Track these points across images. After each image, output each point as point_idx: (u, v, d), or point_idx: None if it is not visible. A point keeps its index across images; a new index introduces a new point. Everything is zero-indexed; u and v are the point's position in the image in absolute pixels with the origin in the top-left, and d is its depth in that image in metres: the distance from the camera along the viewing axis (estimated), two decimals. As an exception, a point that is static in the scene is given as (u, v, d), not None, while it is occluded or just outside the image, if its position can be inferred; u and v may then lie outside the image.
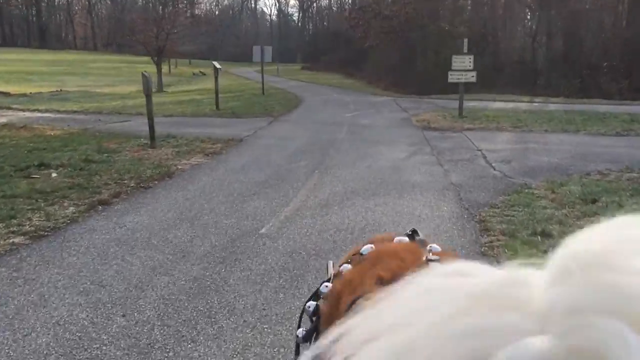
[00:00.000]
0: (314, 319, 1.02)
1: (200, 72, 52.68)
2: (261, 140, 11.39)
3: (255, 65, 73.22)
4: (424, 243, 0.99)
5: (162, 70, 48.45)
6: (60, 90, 25.82)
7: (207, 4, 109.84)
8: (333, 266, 1.10)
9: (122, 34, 31.91)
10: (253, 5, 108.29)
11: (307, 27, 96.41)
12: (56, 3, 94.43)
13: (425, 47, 30.48)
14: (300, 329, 1.05)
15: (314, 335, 1.00)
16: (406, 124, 14.37)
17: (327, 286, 1.00)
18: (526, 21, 31.62)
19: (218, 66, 17.45)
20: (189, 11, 31.66)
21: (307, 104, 20.77)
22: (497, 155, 9.53)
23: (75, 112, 17.26)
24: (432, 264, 0.80)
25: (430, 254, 0.87)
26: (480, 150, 10.03)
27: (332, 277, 1.03)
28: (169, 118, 15.55)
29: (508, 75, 28.42)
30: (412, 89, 29.24)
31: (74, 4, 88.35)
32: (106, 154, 9.19)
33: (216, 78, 17.56)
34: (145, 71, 10.01)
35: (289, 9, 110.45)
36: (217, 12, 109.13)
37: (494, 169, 8.42)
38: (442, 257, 0.85)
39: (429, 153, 9.76)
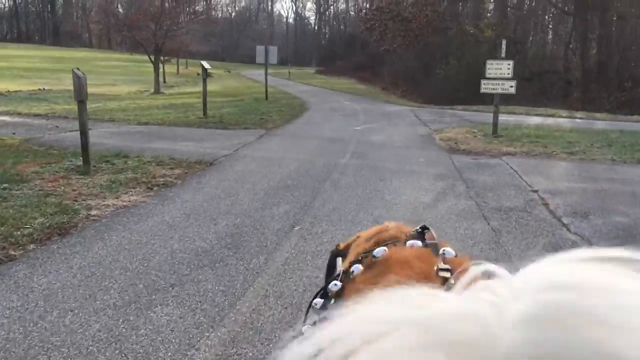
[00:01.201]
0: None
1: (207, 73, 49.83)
2: (239, 163, 8.51)
3: (270, 67, 70.72)
4: (437, 247, 0.93)
5: (166, 70, 45.96)
6: (42, 89, 23.19)
7: (223, 5, 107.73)
8: (342, 262, 1.07)
9: (119, 30, 29.06)
10: (269, 7, 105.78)
11: (323, 30, 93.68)
12: (73, 1, 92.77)
13: (446, 52, 27.48)
14: (306, 325, 0.92)
15: None
16: (428, 143, 11.41)
17: (335, 284, 0.96)
18: (559, 26, 28.45)
19: (207, 66, 14.62)
20: (191, 7, 28.84)
21: (312, 112, 17.88)
22: (562, 200, 6.55)
23: (37, 115, 14.53)
24: (441, 274, 0.79)
25: (442, 262, 0.84)
26: (535, 191, 7.05)
27: (341, 274, 0.98)
28: (142, 127, 12.76)
29: (538, 86, 25.31)
30: (431, 98, 26.26)
31: (89, 1, 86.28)
32: (6, 185, 6.37)
33: (204, 80, 14.74)
34: (77, 69, 7.22)
35: (306, 12, 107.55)
36: (233, 14, 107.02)
37: (568, 230, 5.45)
38: (454, 266, 0.81)
39: (464, 194, 6.81)
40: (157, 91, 27.69)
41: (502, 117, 16.72)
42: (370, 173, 7.90)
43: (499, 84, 11.86)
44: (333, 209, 5.88)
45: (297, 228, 5.19)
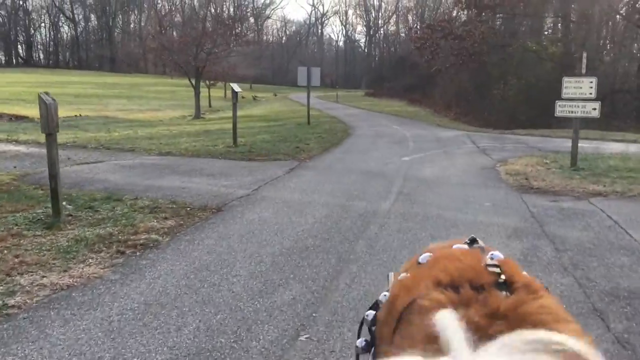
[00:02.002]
0: (372, 328, 1.00)
1: (253, 96, 49.26)
2: (253, 209, 6.72)
3: (318, 90, 69.66)
4: (484, 250, 0.93)
5: (213, 94, 45.27)
6: (79, 115, 22.32)
7: (274, 30, 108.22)
8: (394, 277, 1.06)
9: (160, 55, 28.23)
10: (320, 31, 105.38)
11: (373, 52, 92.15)
12: (130, 28, 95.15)
13: (504, 72, 25.14)
14: (360, 339, 1.02)
15: (373, 346, 0.99)
16: (492, 178, 9.30)
17: (385, 295, 0.99)
18: (631, 41, 25.59)
19: (237, 89, 13.04)
20: (233, 30, 27.68)
21: (354, 138, 16.02)
22: None
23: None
24: (491, 269, 0.79)
25: (490, 260, 0.83)
26: (660, 260, 4.90)
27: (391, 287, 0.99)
28: (161, 158, 11.24)
29: (609, 107, 22.56)
30: (487, 121, 23.95)
31: (146, 29, 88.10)
32: None
33: (234, 105, 13.16)
34: (45, 92, 5.67)
35: (356, 35, 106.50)
36: (284, 39, 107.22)
37: None
38: (502, 264, 0.81)
39: (554, 264, 4.73)
40: (197, 116, 26.57)
41: (583, 144, 14.43)
42: (420, 226, 5.92)
43: (578, 106, 9.68)
44: (364, 294, 3.95)
45: (303, 337, 3.29)
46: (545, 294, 0.77)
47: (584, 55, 10.02)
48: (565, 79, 9.85)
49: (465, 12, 33.61)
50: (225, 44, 26.55)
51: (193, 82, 26.93)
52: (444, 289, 0.75)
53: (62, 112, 24.66)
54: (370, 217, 6.28)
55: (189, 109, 35.59)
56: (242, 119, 26.33)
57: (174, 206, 6.67)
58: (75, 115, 22.32)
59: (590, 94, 9.53)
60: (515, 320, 0.67)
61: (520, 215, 6.60)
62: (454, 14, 35.24)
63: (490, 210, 6.86)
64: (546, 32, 30.17)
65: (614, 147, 13.52)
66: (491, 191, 8.09)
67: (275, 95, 60.46)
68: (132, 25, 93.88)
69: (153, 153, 11.97)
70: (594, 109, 9.57)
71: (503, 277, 0.77)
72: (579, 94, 9.63)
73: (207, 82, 37.95)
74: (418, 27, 30.95)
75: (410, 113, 31.17)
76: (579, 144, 14.19)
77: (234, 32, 27.29)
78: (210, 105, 37.76)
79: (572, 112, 9.74)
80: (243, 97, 49.34)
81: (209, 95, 38.22)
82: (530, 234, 5.69)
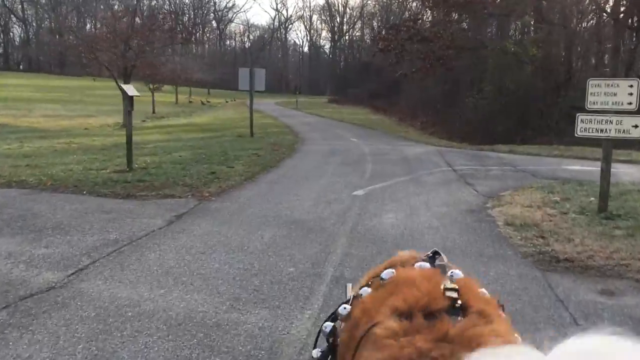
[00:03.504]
0: (330, 340, 1.01)
1: (203, 101, 45.50)
2: (30, 335, 3.14)
3: (283, 95, 65.80)
4: (445, 269, 0.91)
5: (161, 99, 41.15)
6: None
7: (237, 34, 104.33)
8: (352, 288, 1.06)
9: (79, 53, 24.20)
10: (283, 36, 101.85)
11: (337, 58, 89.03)
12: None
13: (477, 77, 22.09)
14: (316, 350, 1.03)
15: (330, 357, 1.00)
16: (487, 234, 5.85)
17: (345, 308, 0.97)
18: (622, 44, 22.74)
19: (132, 92, 9.40)
20: (167, 24, 23.88)
21: (299, 157, 12.53)
22: None
23: None
24: (447, 294, 0.79)
25: (449, 282, 0.82)
26: None
27: (351, 299, 0.98)
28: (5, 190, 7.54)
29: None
30: (459, 133, 20.84)
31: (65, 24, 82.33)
32: None
33: (129, 113, 9.53)
34: None
35: (321, 41, 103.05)
36: (247, 44, 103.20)
37: None
38: (461, 286, 0.81)
39: None
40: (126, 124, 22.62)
41: (574, 167, 11.28)
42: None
43: (611, 122, 6.40)
44: None
45: None
46: (497, 318, 0.76)
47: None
48: (592, 81, 6.54)
49: (433, 12, 30.75)
50: (159, 41, 22.70)
51: (122, 84, 22.94)
52: (399, 318, 0.75)
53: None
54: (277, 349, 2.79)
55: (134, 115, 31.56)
56: (175, 128, 22.57)
57: None
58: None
59: (630, 103, 6.27)
60: (461, 343, 0.67)
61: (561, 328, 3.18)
62: (421, 15, 32.23)
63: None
64: (514, 34, 27.38)
65: (630, 172, 10.34)
66: (494, 269, 4.67)
67: (234, 100, 56.66)
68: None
69: (2, 184, 8.22)
70: (635, 126, 6.30)
71: (459, 302, 0.76)
72: (611, 103, 6.36)
73: (151, 85, 33.96)
74: (382, 28, 27.57)
75: (373, 122, 27.95)
76: (575, 167, 11.08)
77: (166, 29, 23.32)
78: (154, 112, 33.73)
79: (602, 130, 6.45)
80: (191, 102, 45.45)
81: (153, 100, 34.18)
82: None
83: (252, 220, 6.18)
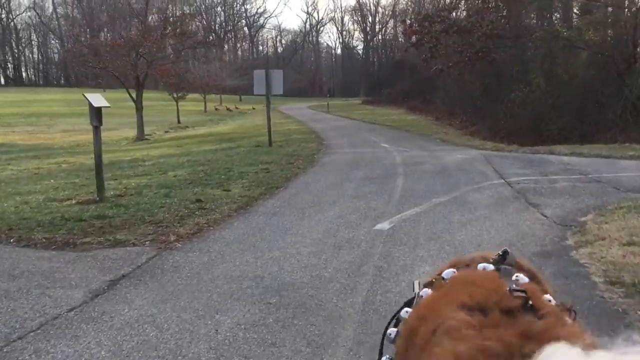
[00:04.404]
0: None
1: (229, 108, 43.98)
2: None
3: (317, 99, 63.83)
4: (509, 272, 0.86)
5: (188, 108, 39.74)
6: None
7: (268, 39, 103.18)
8: (419, 285, 0.98)
9: (85, 62, 22.72)
10: (315, 39, 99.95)
11: (371, 59, 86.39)
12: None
13: (523, 69, 19.46)
14: (384, 357, 0.96)
15: None
16: (585, 308, 3.56)
17: (407, 311, 0.92)
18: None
19: (99, 103, 7.43)
20: (173, 29, 21.93)
21: (316, 171, 10.39)
22: None
23: None
24: (516, 294, 0.74)
25: (514, 285, 0.78)
26: None
27: (415, 299, 0.93)
28: None
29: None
30: (503, 131, 18.32)
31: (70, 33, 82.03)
32: None
33: (96, 128, 7.55)
34: None
35: (354, 42, 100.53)
36: (279, 48, 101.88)
37: None
38: (527, 289, 0.76)
39: None
40: (140, 138, 21.00)
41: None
42: None
43: None
44: None
45: None
46: (571, 322, 0.75)
47: None
48: None
49: (468, 1, 28.26)
50: (172, 45, 20.97)
51: (134, 95, 21.31)
52: (470, 312, 0.70)
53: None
54: None
55: (159, 126, 30.11)
56: (191, 140, 20.72)
57: None
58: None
59: None
60: (547, 341, 0.61)
61: None
62: (456, 4, 29.66)
63: None
64: (561, 18, 24.50)
65: None
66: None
67: (254, 108, 55.00)
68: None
69: None
70: None
71: (530, 302, 0.72)
72: None
73: (175, 94, 32.49)
74: (414, 20, 25.18)
75: (407, 123, 25.57)
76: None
77: (177, 32, 21.48)
78: (179, 121, 32.24)
79: None
80: (217, 109, 44.00)
81: (177, 110, 32.71)
82: None
83: (216, 288, 4.07)
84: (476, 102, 23.87)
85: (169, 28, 21.13)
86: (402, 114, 35.16)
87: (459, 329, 0.67)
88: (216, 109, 44.15)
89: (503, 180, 8.52)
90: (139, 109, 20.97)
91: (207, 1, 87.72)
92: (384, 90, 50.30)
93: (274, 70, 16.13)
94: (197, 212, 6.57)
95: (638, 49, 15.01)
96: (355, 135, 19.36)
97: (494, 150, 13.13)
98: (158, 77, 22.54)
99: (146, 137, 21.51)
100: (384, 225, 5.82)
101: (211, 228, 5.92)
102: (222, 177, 9.49)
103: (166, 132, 28.44)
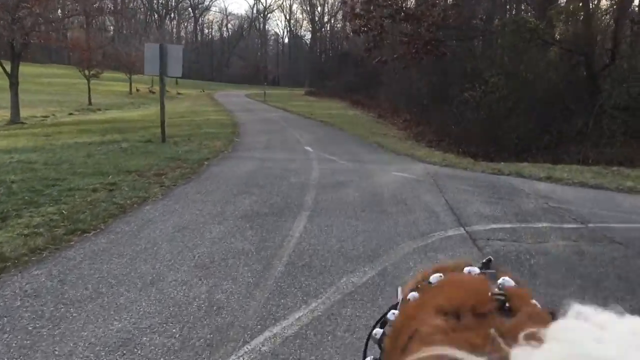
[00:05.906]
0: (382, 345, 0.93)
1: (152, 90, 39.52)
2: None
3: (260, 87, 59.54)
4: (495, 276, 0.85)
5: (103, 88, 35.00)
6: None
7: (214, 24, 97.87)
8: (402, 291, 0.99)
9: None
10: (262, 26, 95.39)
11: (317, 49, 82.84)
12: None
13: (481, 64, 16.50)
14: (368, 358, 0.96)
15: None
16: None
17: (394, 313, 0.91)
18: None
19: None
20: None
21: (176, 199, 6.78)
22: None
23: None
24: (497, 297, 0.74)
25: (497, 289, 0.77)
26: None
27: (399, 304, 0.93)
28: None
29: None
30: (455, 135, 15.32)
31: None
32: None
33: None
34: None
35: (302, 32, 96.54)
36: (226, 34, 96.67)
37: None
38: (512, 293, 0.76)
39: None
40: (14, 121, 16.67)
41: None
42: None
43: None
44: None
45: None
46: (549, 323, 0.70)
47: None
48: None
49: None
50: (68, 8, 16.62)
51: (8, 68, 16.90)
52: (445, 317, 0.71)
53: None
54: None
55: (54, 106, 25.50)
56: (71, 127, 16.44)
57: None
58: None
59: None
60: (514, 341, 0.62)
61: None
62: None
63: None
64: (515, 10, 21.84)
65: None
66: None
67: (202, 91, 50.63)
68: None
69: None
70: None
71: (507, 304, 0.72)
72: None
73: (87, 71, 27.90)
74: (358, 2, 21.76)
75: (346, 120, 22.28)
76: None
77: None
78: (90, 102, 27.70)
79: None
80: (153, 93, 39.40)
81: (89, 89, 28.14)
82: None
83: None
84: (422, 100, 20.89)
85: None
86: (343, 108, 31.96)
87: (430, 334, 0.68)
88: (151, 92, 39.35)
89: (464, 231, 5.24)
90: (14, 84, 16.60)
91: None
92: (329, 82, 47.02)
93: (173, 44, 12.38)
94: None
95: (618, 47, 12.20)
96: (280, 132, 15.88)
97: (444, 166, 9.93)
98: (42, 45, 18.12)
99: (22, 120, 17.14)
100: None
101: None
102: (26, 198, 5.80)
103: (70, 114, 24.03)
